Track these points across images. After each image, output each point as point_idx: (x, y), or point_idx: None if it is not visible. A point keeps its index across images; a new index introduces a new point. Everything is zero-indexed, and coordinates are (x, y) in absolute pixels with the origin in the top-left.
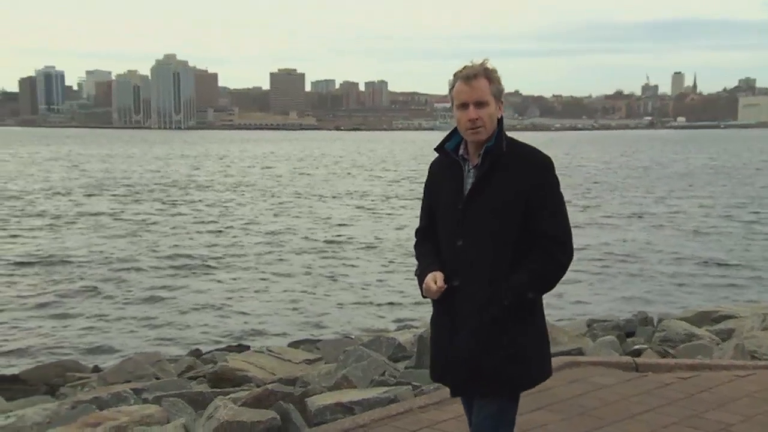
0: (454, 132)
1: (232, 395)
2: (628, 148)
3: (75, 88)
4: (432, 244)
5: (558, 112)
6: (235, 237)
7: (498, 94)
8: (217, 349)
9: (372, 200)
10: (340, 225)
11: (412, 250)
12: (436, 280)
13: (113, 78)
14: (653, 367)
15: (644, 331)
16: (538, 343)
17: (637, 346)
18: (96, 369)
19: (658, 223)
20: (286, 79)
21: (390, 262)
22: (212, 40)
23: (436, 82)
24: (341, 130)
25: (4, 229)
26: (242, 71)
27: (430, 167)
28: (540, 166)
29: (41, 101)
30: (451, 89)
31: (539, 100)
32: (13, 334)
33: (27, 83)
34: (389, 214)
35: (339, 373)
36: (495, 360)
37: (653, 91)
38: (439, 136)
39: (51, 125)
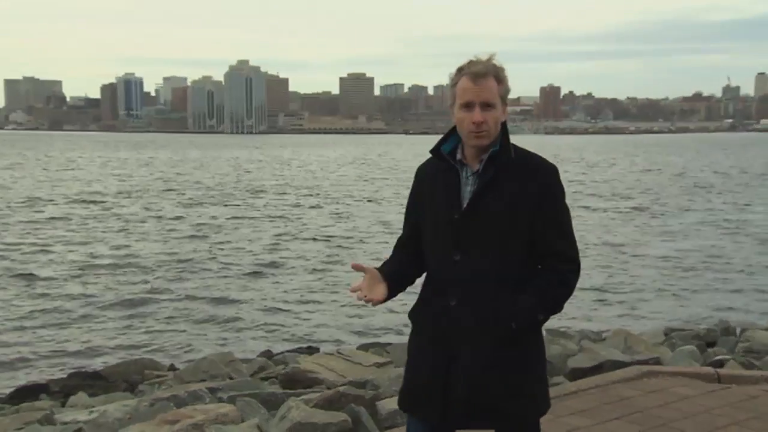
0: (451, 133)
1: (303, 396)
2: (713, 151)
3: (153, 94)
4: (406, 255)
5: (633, 115)
6: (303, 241)
7: (505, 96)
8: (287, 351)
9: None
10: None
11: None
12: (362, 284)
13: (189, 84)
14: (737, 379)
15: (726, 342)
16: (541, 370)
17: (718, 357)
18: (172, 367)
19: (738, 231)
20: (356, 84)
21: None
22: (284, 46)
23: None
24: (410, 134)
25: (81, 231)
26: (312, 76)
27: (418, 172)
28: (548, 175)
29: (121, 107)
30: (453, 85)
31: (613, 102)
32: (93, 333)
33: (108, 90)
34: None
35: None
36: (498, 389)
37: (734, 93)
38: (514, 140)
39: (130, 130)
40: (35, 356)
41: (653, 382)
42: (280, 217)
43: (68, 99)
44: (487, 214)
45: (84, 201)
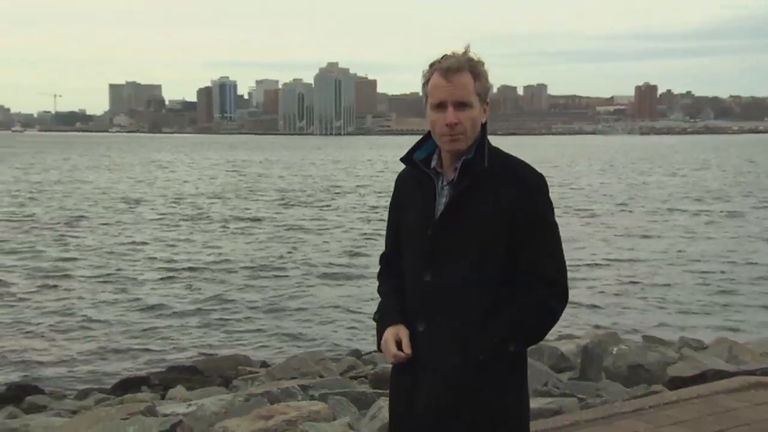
0: (426, 138)
1: None
2: None
3: (246, 96)
4: (398, 280)
5: (736, 114)
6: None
7: (484, 93)
8: (376, 351)
9: None
10: None
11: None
12: (398, 340)
13: (280, 86)
14: None
15: None
16: (517, 406)
17: None
18: (264, 364)
19: None
20: None
21: None
22: (372, 48)
23: (597, 85)
24: (498, 134)
25: (172, 231)
26: (400, 77)
27: (396, 181)
28: (531, 185)
29: (216, 110)
30: (425, 83)
31: (714, 101)
32: (185, 330)
33: (204, 93)
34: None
35: None
36: (467, 427)
37: None
38: (601, 141)
39: (224, 132)
40: (134, 350)
41: (762, 393)
42: (362, 218)
43: (167, 102)
44: (459, 230)
45: (176, 202)
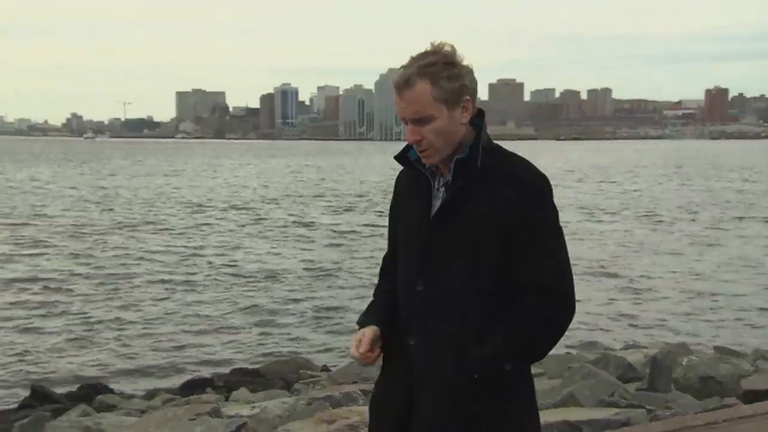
0: None
1: None
2: None
3: (307, 103)
4: (393, 284)
5: None
6: None
7: (452, 96)
8: None
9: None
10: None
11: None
12: (360, 341)
13: (341, 93)
14: None
15: None
16: (521, 426)
17: None
18: (325, 368)
19: None
20: (505, 89)
21: (618, 277)
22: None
23: (665, 88)
24: (560, 139)
25: (230, 236)
26: None
27: (396, 181)
28: (530, 185)
29: (278, 116)
30: None
31: None
32: (250, 333)
33: (266, 100)
34: (626, 230)
35: (564, 389)
36: None
37: None
38: (669, 145)
39: (286, 138)
40: (198, 353)
41: None
42: None
43: (231, 109)
44: (452, 233)
45: (237, 207)
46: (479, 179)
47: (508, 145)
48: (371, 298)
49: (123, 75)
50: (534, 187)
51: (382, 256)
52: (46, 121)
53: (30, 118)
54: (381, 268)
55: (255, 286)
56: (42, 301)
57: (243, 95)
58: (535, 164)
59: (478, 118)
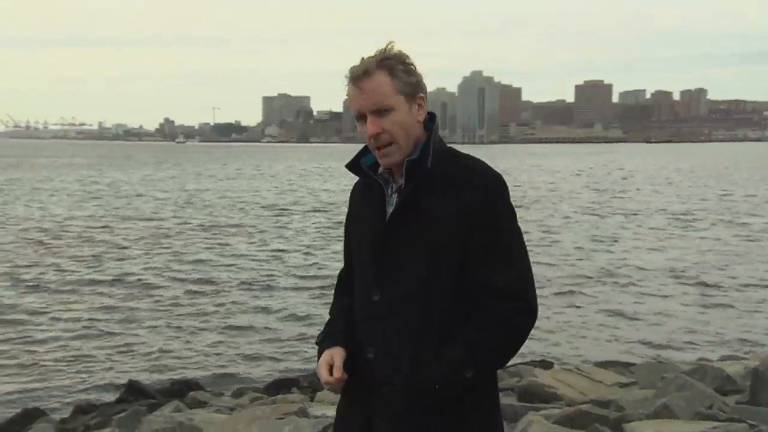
0: None
1: (543, 412)
2: None
3: None
4: (350, 299)
5: None
6: (534, 255)
7: (411, 89)
8: (520, 363)
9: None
10: (652, 249)
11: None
12: (331, 364)
13: None
14: None
15: None
16: None
17: None
18: None
19: None
20: (592, 91)
21: (709, 285)
22: (518, 55)
23: (765, 88)
24: (651, 142)
25: (311, 239)
26: (546, 84)
27: (352, 190)
28: (486, 186)
29: None
30: (346, 96)
31: None
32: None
33: (345, 104)
34: (717, 238)
35: (658, 400)
36: None
37: None
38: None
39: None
40: (282, 353)
41: None
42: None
43: (315, 113)
44: (406, 240)
45: (316, 210)
46: (433, 182)
47: (593, 148)
48: (328, 317)
49: (212, 81)
50: (491, 189)
51: (338, 273)
52: (141, 127)
53: (126, 123)
54: (336, 286)
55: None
56: (132, 302)
57: (327, 99)
58: (623, 167)
59: (430, 121)
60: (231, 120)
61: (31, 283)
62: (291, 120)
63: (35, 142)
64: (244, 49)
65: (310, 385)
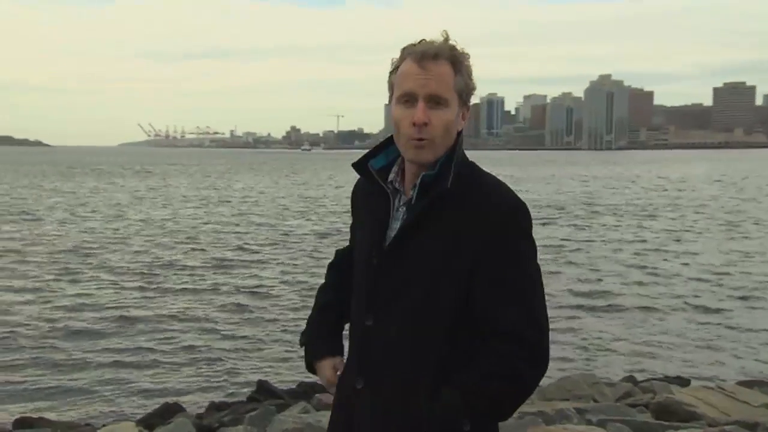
0: (388, 142)
1: (682, 431)
2: None
3: (513, 112)
4: (341, 279)
5: None
6: (663, 266)
7: (466, 93)
8: (654, 379)
9: None
10: None
11: None
12: (335, 370)
13: (548, 101)
14: None
15: None
16: None
17: None
18: None
19: None
20: (732, 94)
21: None
22: (649, 58)
23: None
24: None
25: None
26: (680, 88)
27: (353, 193)
28: (503, 214)
29: (483, 126)
30: (392, 71)
31: None
32: None
33: (472, 110)
34: None
35: None
36: None
37: None
38: None
39: (489, 148)
40: None
41: None
42: (633, 240)
43: None
44: (409, 263)
45: None
46: (447, 202)
47: (737, 154)
48: (317, 301)
49: (336, 89)
50: (510, 217)
51: (336, 250)
52: (269, 135)
53: (255, 131)
54: (330, 263)
55: None
56: (260, 304)
57: None
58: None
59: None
60: (354, 127)
61: (165, 285)
62: None
63: (173, 150)
64: (364, 60)
65: None
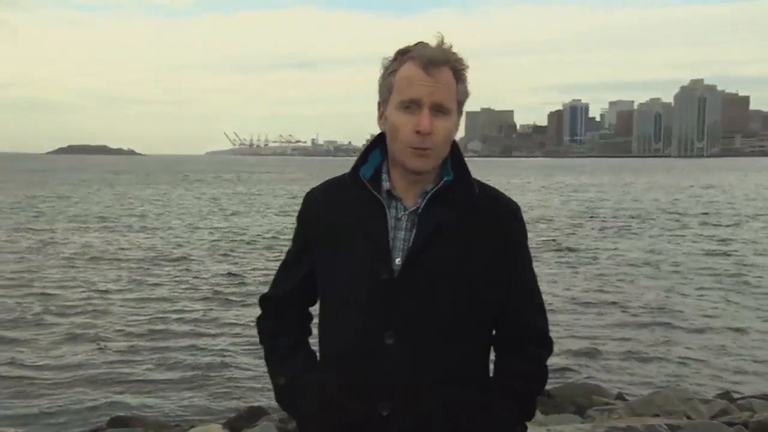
0: (371, 149)
1: None
2: None
3: (597, 119)
4: (297, 337)
5: None
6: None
7: (463, 102)
8: (752, 396)
9: None
10: None
11: None
12: None
13: (635, 107)
14: None
15: None
16: None
17: None
18: (620, 396)
19: None
20: None
21: None
22: (745, 61)
23: None
24: None
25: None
26: None
27: (308, 203)
28: (513, 217)
29: (566, 133)
30: (389, 73)
31: None
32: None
33: (554, 117)
34: None
35: None
36: None
37: None
38: None
39: (572, 155)
40: None
41: None
42: (725, 251)
43: (518, 127)
44: (436, 275)
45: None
46: (468, 210)
47: None
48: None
49: None
50: (518, 219)
51: (262, 297)
52: (349, 143)
53: (336, 140)
54: (271, 311)
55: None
56: None
57: (531, 113)
58: None
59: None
60: None
61: (250, 289)
62: (494, 135)
63: (257, 158)
64: None
65: None
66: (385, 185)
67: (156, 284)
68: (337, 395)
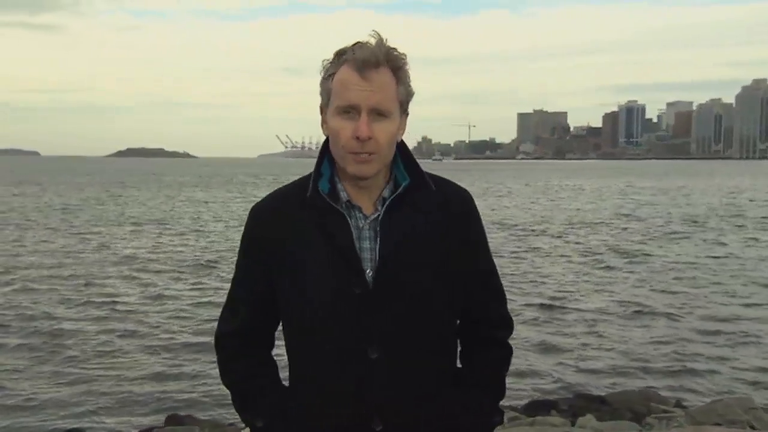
0: (321, 162)
1: None
2: None
3: (654, 120)
4: (271, 373)
5: None
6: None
7: (406, 101)
8: None
9: None
10: None
11: None
12: None
13: (694, 108)
14: None
15: None
16: None
17: None
18: (678, 404)
19: None
20: None
21: None
22: None
23: None
24: None
25: (550, 262)
26: None
27: (256, 219)
28: (464, 204)
29: (621, 135)
30: (327, 77)
31: None
32: (598, 360)
33: (610, 118)
34: None
35: None
36: None
37: None
38: None
39: (628, 157)
40: (544, 373)
41: None
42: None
43: (571, 129)
44: (409, 283)
45: (561, 233)
46: (426, 209)
47: None
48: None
49: (468, 100)
50: (472, 206)
51: (218, 335)
52: None
53: None
54: (239, 348)
55: (586, 316)
56: None
57: (585, 115)
58: None
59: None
60: (485, 137)
61: None
62: (546, 136)
63: (307, 161)
64: (497, 69)
65: (570, 408)
66: (343, 196)
67: (216, 288)
68: (326, 417)
